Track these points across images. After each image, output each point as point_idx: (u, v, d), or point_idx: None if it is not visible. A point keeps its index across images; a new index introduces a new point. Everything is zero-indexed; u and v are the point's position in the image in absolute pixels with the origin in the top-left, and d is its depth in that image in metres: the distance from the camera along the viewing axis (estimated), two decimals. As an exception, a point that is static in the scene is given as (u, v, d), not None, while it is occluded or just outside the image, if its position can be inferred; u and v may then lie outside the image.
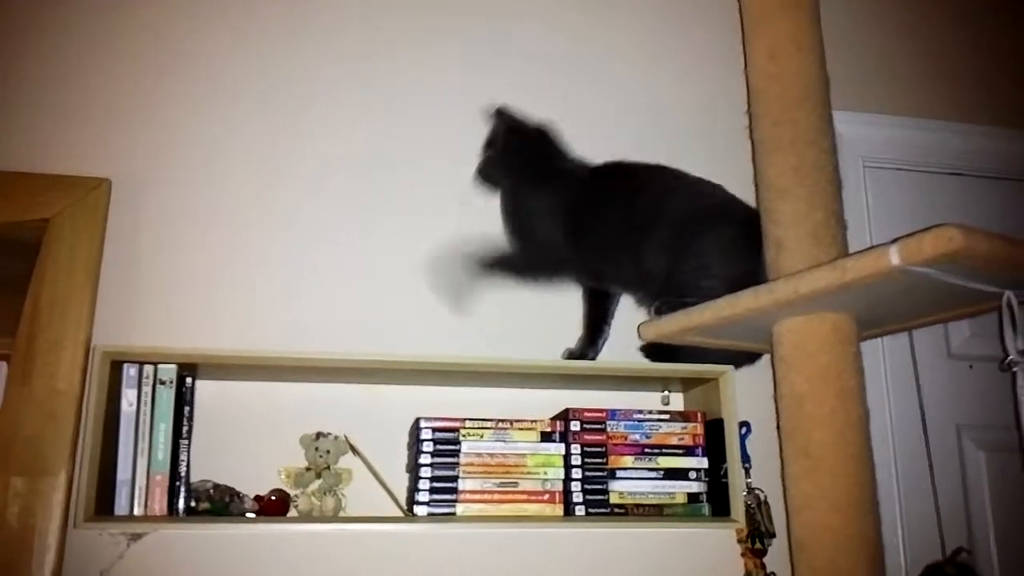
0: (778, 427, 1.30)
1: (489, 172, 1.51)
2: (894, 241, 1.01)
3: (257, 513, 1.28)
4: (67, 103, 1.47)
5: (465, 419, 1.32)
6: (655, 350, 1.43)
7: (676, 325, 1.29)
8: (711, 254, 1.36)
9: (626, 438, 1.37)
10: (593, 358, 1.46)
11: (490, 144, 1.52)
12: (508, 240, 1.48)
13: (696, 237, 1.36)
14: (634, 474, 1.35)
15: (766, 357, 1.44)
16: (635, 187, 1.45)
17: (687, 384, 1.48)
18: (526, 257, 1.47)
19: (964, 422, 1.68)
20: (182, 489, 1.24)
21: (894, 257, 1.00)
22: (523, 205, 1.48)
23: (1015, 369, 1.08)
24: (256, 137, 1.52)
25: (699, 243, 1.36)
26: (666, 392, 1.51)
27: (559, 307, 1.51)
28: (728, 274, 1.32)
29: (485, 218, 1.51)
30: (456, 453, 1.31)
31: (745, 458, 1.42)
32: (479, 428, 1.32)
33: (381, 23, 1.64)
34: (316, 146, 1.54)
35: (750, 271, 1.31)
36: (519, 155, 1.49)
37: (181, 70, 1.53)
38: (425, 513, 1.28)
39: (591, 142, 1.55)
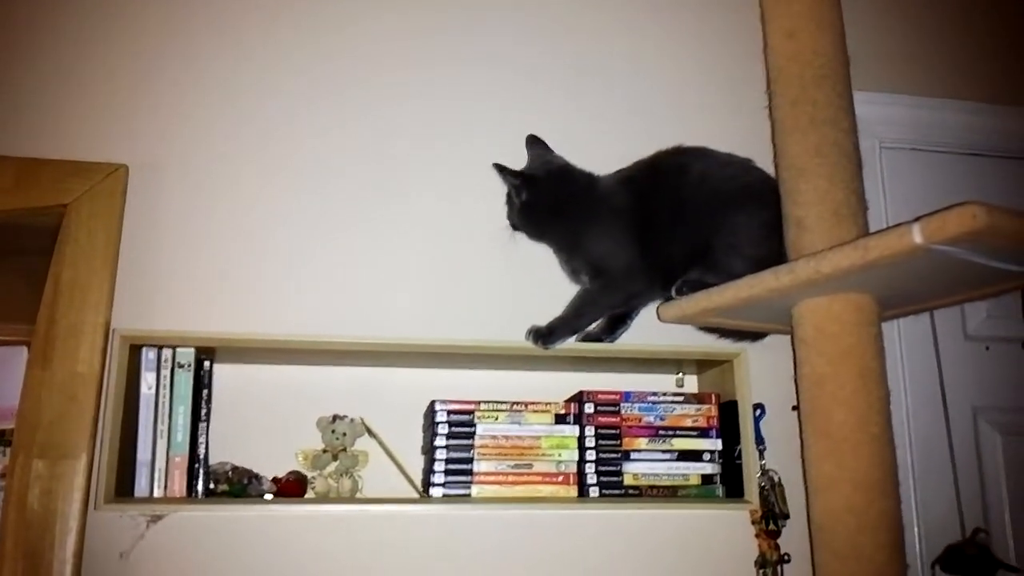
0: (793, 408, 1.30)
1: (527, 227, 1.44)
2: (917, 219, 1.00)
3: (275, 495, 1.29)
4: (83, 90, 1.47)
5: (480, 402, 1.33)
6: None
7: (697, 306, 1.28)
8: (741, 237, 1.34)
9: (640, 420, 1.37)
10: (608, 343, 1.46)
11: (509, 200, 1.44)
12: (590, 279, 1.39)
13: (727, 219, 1.34)
14: (648, 456, 1.35)
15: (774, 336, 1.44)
16: (674, 179, 1.39)
17: (701, 366, 1.48)
18: (613, 288, 1.38)
19: (980, 404, 1.67)
20: (201, 471, 1.25)
21: (917, 235, 0.99)
22: (592, 243, 1.39)
23: (1034, 349, 1.08)
24: (273, 122, 1.52)
25: (730, 226, 1.34)
26: (680, 374, 1.50)
27: (575, 291, 1.50)
28: (757, 257, 1.29)
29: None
30: (471, 435, 1.31)
31: (759, 440, 1.42)
32: (494, 410, 1.33)
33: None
34: (332, 132, 1.53)
35: (778, 254, 1.30)
36: (552, 200, 1.39)
37: (196, 57, 1.52)
38: (441, 494, 1.29)
39: (610, 135, 1.53)
